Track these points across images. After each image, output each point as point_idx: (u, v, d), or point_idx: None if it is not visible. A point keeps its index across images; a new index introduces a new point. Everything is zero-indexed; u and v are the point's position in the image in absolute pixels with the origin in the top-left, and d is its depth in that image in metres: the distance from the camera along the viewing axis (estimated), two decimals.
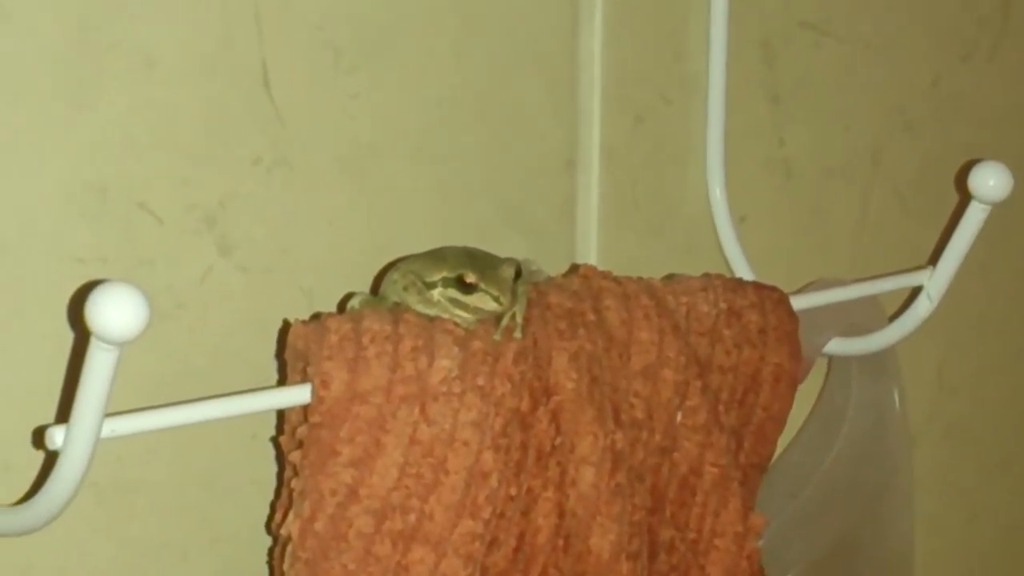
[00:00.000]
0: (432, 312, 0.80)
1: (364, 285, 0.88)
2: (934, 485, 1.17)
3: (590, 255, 0.97)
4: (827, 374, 1.06)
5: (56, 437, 0.71)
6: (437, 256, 0.82)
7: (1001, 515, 1.23)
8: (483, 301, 0.79)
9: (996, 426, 1.21)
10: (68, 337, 0.79)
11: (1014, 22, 1.13)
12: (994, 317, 1.19)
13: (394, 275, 0.82)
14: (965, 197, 0.94)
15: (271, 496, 0.86)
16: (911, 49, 1.09)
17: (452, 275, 0.80)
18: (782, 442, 1.03)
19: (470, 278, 0.79)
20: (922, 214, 1.09)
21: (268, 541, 0.85)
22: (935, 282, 0.97)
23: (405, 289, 0.81)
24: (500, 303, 0.79)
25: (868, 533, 1.04)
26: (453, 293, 0.80)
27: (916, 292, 0.98)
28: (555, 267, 0.94)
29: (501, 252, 0.85)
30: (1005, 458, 1.22)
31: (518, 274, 0.81)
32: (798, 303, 0.92)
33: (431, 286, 0.80)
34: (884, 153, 1.09)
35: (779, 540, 1.00)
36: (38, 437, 0.76)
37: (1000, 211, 1.10)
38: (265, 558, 0.85)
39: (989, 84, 1.13)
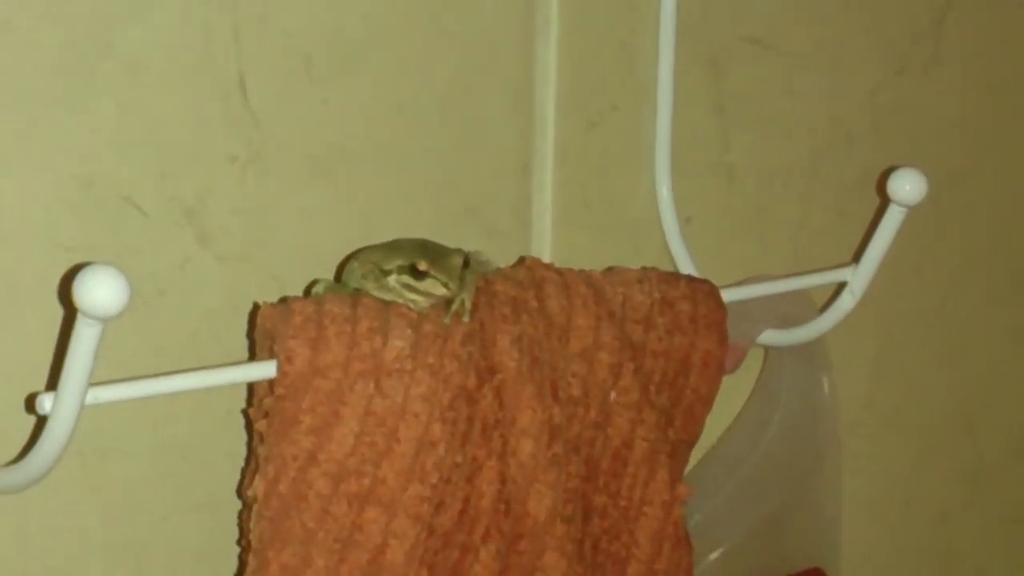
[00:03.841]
0: (388, 297, 0.85)
1: (332, 274, 0.91)
2: (870, 472, 1.20)
3: (544, 252, 1.00)
4: (763, 363, 1.09)
5: (45, 403, 0.76)
6: (393, 246, 0.86)
7: (934, 500, 1.26)
8: (434, 287, 0.84)
9: (928, 415, 1.23)
10: (57, 315, 0.83)
11: (946, 39, 1.16)
12: (926, 313, 1.21)
13: (353, 263, 0.87)
14: (886, 201, 0.98)
15: (242, 466, 0.90)
16: (849, 64, 1.12)
17: (406, 263, 0.84)
18: (722, 426, 1.08)
19: (422, 266, 0.84)
20: (858, 219, 1.11)
21: (239, 507, 0.88)
22: (858, 278, 1.00)
23: (364, 277, 0.86)
24: (449, 288, 0.84)
25: (799, 509, 1.08)
26: (407, 279, 0.84)
27: (842, 288, 1.02)
28: (511, 263, 0.95)
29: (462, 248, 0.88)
30: (937, 445, 1.25)
31: (466, 263, 0.85)
32: (728, 295, 0.96)
33: (387, 273, 0.85)
34: (823, 160, 1.12)
35: (716, 516, 1.04)
36: (29, 404, 0.79)
37: (933, 215, 1.15)
38: (236, 522, 0.89)
39: (923, 97, 1.16)
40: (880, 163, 1.11)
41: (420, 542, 0.84)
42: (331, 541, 0.82)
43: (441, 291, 0.84)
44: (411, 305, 0.85)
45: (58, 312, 0.83)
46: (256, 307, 0.86)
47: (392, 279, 0.85)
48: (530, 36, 0.98)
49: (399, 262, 0.85)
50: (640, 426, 0.91)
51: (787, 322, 1.04)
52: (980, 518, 1.30)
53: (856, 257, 1.04)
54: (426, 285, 0.84)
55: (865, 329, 1.16)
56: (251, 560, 0.83)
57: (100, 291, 0.71)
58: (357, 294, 0.86)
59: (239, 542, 0.88)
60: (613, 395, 0.90)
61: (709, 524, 1.03)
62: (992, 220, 1.24)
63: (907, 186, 0.96)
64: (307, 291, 0.89)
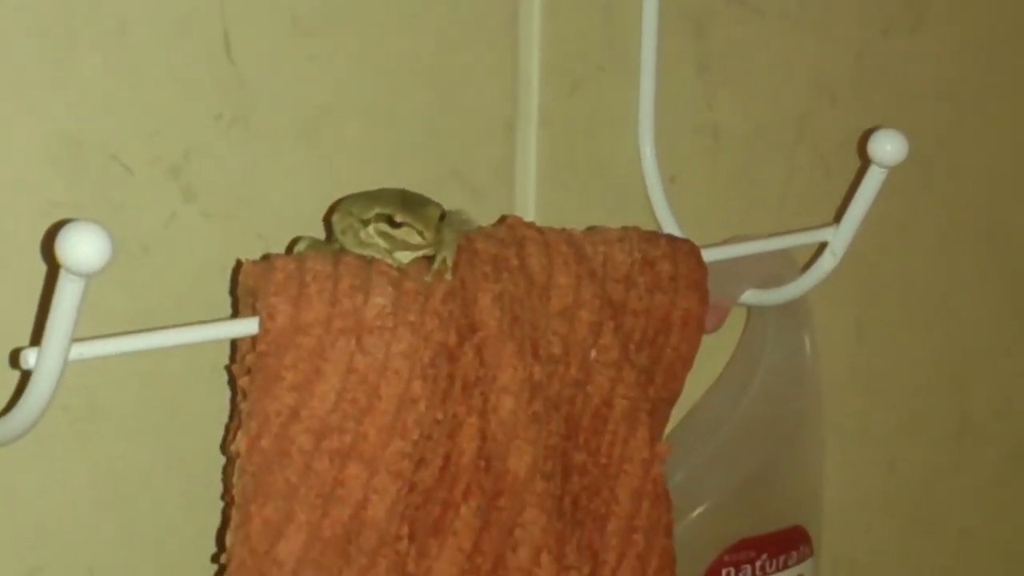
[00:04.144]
0: (367, 252, 0.86)
1: (316, 232, 0.92)
2: (854, 435, 1.21)
3: (528, 212, 1.00)
4: (745, 323, 1.10)
5: (29, 358, 0.77)
6: (373, 195, 0.87)
7: (918, 463, 1.26)
8: (409, 235, 0.85)
9: (913, 376, 1.24)
10: (43, 272, 0.84)
11: (933, 0, 1.17)
12: (910, 275, 1.22)
13: (334, 217, 0.88)
14: (867, 161, 0.98)
15: (227, 422, 0.90)
16: (835, 24, 1.12)
17: (384, 212, 0.86)
18: (704, 385, 1.09)
19: (398, 216, 0.85)
20: (844, 179, 1.11)
21: (224, 463, 0.89)
22: (839, 238, 1.01)
23: (343, 232, 0.87)
24: (424, 237, 0.85)
25: (781, 467, 1.09)
26: (384, 228, 0.85)
27: (824, 248, 1.03)
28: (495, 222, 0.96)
29: (444, 206, 0.89)
30: (922, 406, 1.25)
31: (443, 216, 0.86)
32: (709, 255, 0.97)
33: (366, 223, 0.86)
34: (808, 121, 1.13)
35: (698, 474, 1.05)
36: (14, 359, 0.80)
37: (919, 176, 1.16)
38: (220, 478, 0.89)
39: (909, 58, 1.17)
40: (865, 124, 1.12)
41: (401, 498, 0.85)
42: (313, 496, 0.83)
43: (416, 239, 0.85)
44: (389, 261, 0.86)
45: (45, 267, 0.84)
46: (239, 264, 0.87)
47: (371, 228, 0.86)
48: None
49: (377, 210, 0.86)
50: (620, 384, 0.92)
51: (769, 282, 1.05)
52: (965, 479, 1.31)
53: (839, 218, 1.04)
54: (401, 233, 0.85)
55: (850, 290, 1.17)
56: (234, 515, 0.84)
57: (82, 247, 0.71)
58: (339, 252, 0.87)
59: (223, 497, 0.89)
60: (593, 353, 0.91)
61: (691, 482, 1.04)
62: (978, 181, 1.25)
63: (888, 146, 0.96)
64: (290, 248, 0.90)
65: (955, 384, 1.29)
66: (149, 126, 0.87)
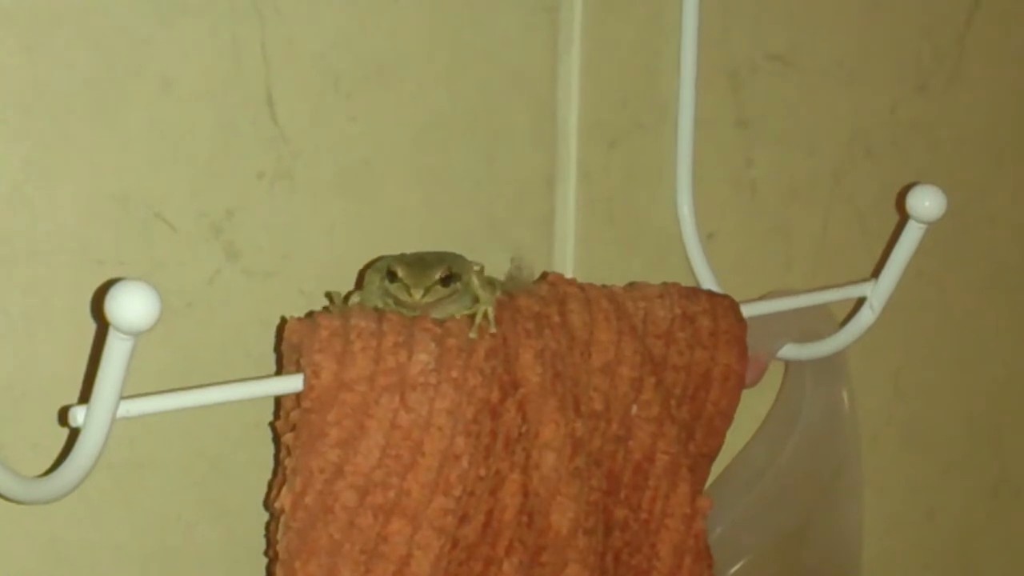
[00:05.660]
0: (380, 304, 0.87)
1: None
2: (892, 485, 1.20)
3: (567, 268, 1.01)
4: (784, 377, 1.10)
5: (78, 415, 0.77)
6: (410, 255, 0.88)
7: (956, 513, 1.26)
8: (400, 291, 0.85)
9: (950, 429, 1.24)
10: (90, 329, 0.84)
11: (968, 56, 1.17)
12: (947, 328, 1.22)
13: (370, 270, 0.89)
14: (906, 216, 0.99)
15: (270, 478, 0.90)
16: (870, 80, 1.13)
17: (386, 265, 0.86)
18: (743, 439, 1.09)
19: (396, 270, 0.86)
20: (880, 234, 1.12)
21: (267, 517, 0.89)
22: (877, 294, 1.02)
23: (369, 283, 0.88)
24: (410, 294, 0.85)
25: (819, 521, 1.09)
26: (385, 281, 0.86)
27: (862, 303, 1.04)
28: (534, 278, 0.98)
29: (485, 263, 0.90)
30: (959, 459, 1.25)
31: (446, 279, 0.86)
32: (748, 310, 0.97)
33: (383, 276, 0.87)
34: (845, 176, 1.13)
35: (737, 528, 1.05)
36: (62, 416, 0.81)
37: (955, 230, 1.16)
38: (263, 532, 0.90)
39: (944, 113, 1.17)
40: (901, 179, 1.12)
41: (444, 554, 0.85)
42: (357, 552, 0.84)
43: (403, 296, 0.85)
44: (401, 309, 0.86)
45: (91, 325, 0.85)
46: (283, 321, 0.87)
47: (386, 282, 0.87)
48: (553, 54, 0.99)
49: (388, 264, 0.87)
50: (661, 440, 0.92)
51: (807, 336, 1.06)
52: (1004, 532, 1.30)
53: (877, 272, 1.04)
54: (394, 288, 0.86)
55: (887, 343, 1.17)
56: (278, 571, 0.85)
57: (132, 307, 0.72)
58: (381, 309, 0.87)
59: (266, 553, 0.89)
60: (634, 409, 0.92)
61: (730, 537, 1.04)
62: (1014, 235, 1.25)
63: (926, 202, 0.97)
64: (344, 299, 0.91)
65: (993, 437, 1.28)
66: (193, 184, 0.87)
